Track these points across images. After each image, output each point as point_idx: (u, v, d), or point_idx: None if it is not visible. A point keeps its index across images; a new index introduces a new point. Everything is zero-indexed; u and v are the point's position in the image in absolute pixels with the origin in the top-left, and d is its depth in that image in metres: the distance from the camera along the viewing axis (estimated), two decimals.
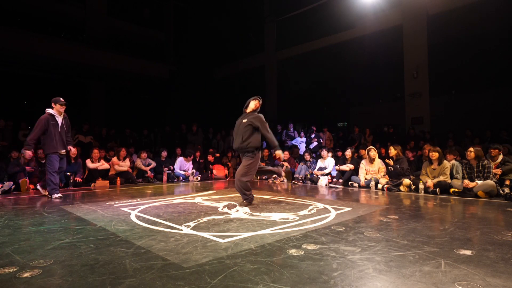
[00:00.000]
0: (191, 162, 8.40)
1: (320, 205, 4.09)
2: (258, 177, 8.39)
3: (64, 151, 5.08)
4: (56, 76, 13.15)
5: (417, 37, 10.31)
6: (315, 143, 9.63)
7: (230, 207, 3.98)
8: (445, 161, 5.54)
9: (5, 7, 11.54)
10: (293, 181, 7.65)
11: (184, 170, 8.19)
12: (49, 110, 5.02)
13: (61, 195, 4.96)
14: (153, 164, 8.04)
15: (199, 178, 8.16)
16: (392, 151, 6.30)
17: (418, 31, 10.29)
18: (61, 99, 5.07)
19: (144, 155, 7.98)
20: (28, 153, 4.85)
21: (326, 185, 6.97)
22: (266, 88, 15.25)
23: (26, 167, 6.22)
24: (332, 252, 2.12)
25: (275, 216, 3.39)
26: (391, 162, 6.17)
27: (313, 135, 9.89)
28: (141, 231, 2.72)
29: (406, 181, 5.70)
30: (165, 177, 7.79)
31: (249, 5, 15.41)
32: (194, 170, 8.27)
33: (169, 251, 2.15)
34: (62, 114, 5.12)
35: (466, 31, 9.61)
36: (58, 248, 2.22)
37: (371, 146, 6.79)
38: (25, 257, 2.03)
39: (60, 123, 5.03)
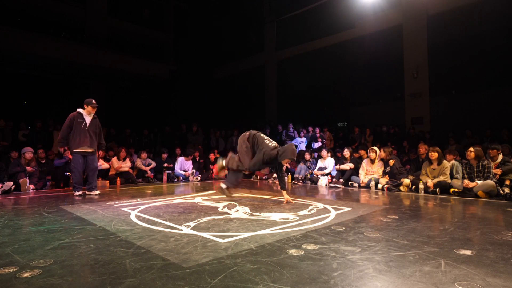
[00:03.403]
0: (191, 161, 8.40)
1: (320, 205, 4.09)
2: (258, 177, 8.40)
3: (90, 149, 5.29)
4: (56, 76, 13.15)
5: (417, 37, 10.31)
6: (319, 143, 9.63)
7: (230, 207, 3.98)
8: (445, 161, 5.54)
9: (5, 7, 11.53)
10: (293, 181, 7.65)
11: (184, 170, 8.20)
12: (79, 109, 5.33)
13: (81, 192, 5.17)
14: (153, 164, 8.04)
15: (199, 178, 8.16)
16: (382, 153, 6.33)
17: (418, 31, 10.29)
18: (93, 101, 5.39)
19: (144, 155, 7.98)
20: (61, 149, 5.44)
21: (326, 185, 6.97)
22: (266, 88, 15.25)
23: (27, 167, 6.22)
24: (332, 252, 2.12)
25: (275, 216, 3.39)
26: (391, 162, 6.16)
27: (317, 135, 9.89)
28: (141, 231, 2.72)
29: (406, 181, 5.70)
30: (165, 177, 7.79)
31: (249, 5, 15.41)
32: (194, 170, 8.27)
33: (169, 251, 2.15)
34: (92, 115, 5.40)
35: (466, 31, 9.61)
36: (58, 248, 2.22)
37: (372, 147, 6.77)
38: (25, 257, 2.03)
39: (88, 123, 5.31)
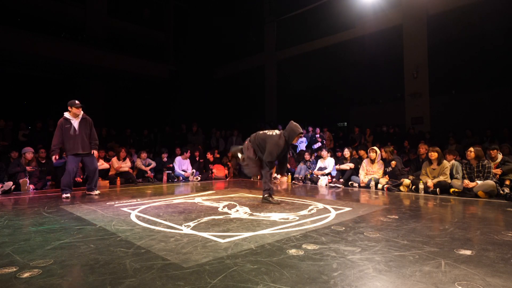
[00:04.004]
0: (189, 160, 8.40)
1: (320, 205, 4.09)
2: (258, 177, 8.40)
3: (84, 152, 5.17)
4: (56, 76, 13.15)
5: (417, 37, 10.30)
6: (319, 144, 9.63)
7: (230, 207, 3.98)
8: (444, 161, 5.54)
9: (5, 7, 11.54)
10: (293, 181, 7.65)
11: (184, 170, 8.20)
12: (65, 114, 5.16)
13: (69, 195, 4.98)
14: (153, 164, 8.04)
15: (199, 178, 8.16)
16: (383, 153, 6.33)
17: (418, 31, 10.29)
18: (77, 101, 5.17)
19: (144, 155, 7.99)
20: (55, 157, 5.15)
21: (326, 185, 6.97)
22: (266, 88, 15.25)
23: (27, 167, 6.21)
24: (332, 252, 2.12)
25: (275, 216, 3.39)
26: (393, 164, 6.15)
27: (317, 135, 9.90)
28: (141, 231, 2.72)
29: (406, 181, 5.70)
30: (165, 177, 7.79)
31: (249, 5, 15.40)
32: (194, 170, 8.27)
33: (169, 251, 2.15)
34: (80, 116, 5.20)
35: (466, 31, 9.61)
36: (58, 248, 2.22)
37: (373, 147, 6.78)
38: (25, 257, 2.03)
39: (76, 126, 5.13)
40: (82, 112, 5.23)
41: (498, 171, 5.34)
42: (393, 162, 6.10)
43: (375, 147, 6.65)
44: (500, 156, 5.55)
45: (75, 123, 5.13)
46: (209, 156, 8.88)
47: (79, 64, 11.80)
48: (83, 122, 5.22)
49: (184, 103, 14.81)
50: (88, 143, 5.24)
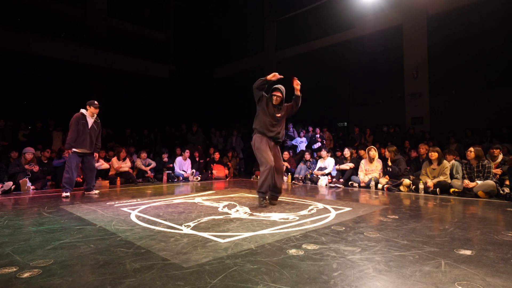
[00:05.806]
0: (189, 161, 8.40)
1: (320, 205, 4.09)
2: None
3: (88, 151, 5.29)
4: (56, 76, 13.15)
5: (417, 37, 10.31)
6: (319, 144, 9.62)
7: (230, 207, 3.98)
8: (444, 161, 5.54)
9: (5, 7, 11.53)
10: (293, 181, 7.65)
11: (183, 171, 8.20)
12: (82, 110, 5.32)
13: (68, 194, 5.03)
14: (153, 164, 8.04)
15: (199, 178, 8.16)
16: (387, 154, 6.33)
17: (418, 31, 10.29)
18: (96, 102, 5.38)
19: (144, 155, 7.99)
20: (68, 152, 5.16)
21: (326, 185, 6.97)
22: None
23: (26, 166, 6.22)
24: (332, 252, 2.12)
25: (275, 216, 3.39)
26: (391, 165, 6.18)
27: (318, 135, 9.90)
28: (141, 231, 2.72)
29: (406, 181, 5.70)
30: (165, 177, 7.79)
31: (249, 5, 15.40)
32: (194, 170, 8.27)
33: (169, 251, 2.15)
34: (94, 117, 5.39)
35: (466, 31, 9.60)
36: (58, 248, 2.22)
37: (371, 146, 6.80)
38: (25, 257, 2.03)
39: (90, 124, 5.30)
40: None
41: (498, 171, 5.34)
42: (390, 165, 6.14)
43: (373, 146, 6.68)
44: (500, 156, 5.55)
45: (90, 121, 5.32)
46: (217, 155, 8.86)
47: (79, 64, 11.79)
48: (95, 124, 5.41)
49: (184, 103, 14.80)
50: (94, 144, 5.38)
